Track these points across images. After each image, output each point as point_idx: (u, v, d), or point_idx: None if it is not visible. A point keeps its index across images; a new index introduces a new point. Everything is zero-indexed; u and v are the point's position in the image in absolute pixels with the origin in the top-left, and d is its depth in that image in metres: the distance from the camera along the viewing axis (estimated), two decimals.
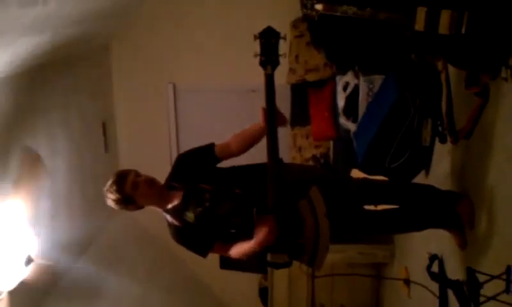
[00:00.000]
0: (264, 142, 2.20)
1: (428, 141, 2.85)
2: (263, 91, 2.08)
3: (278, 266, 2.31)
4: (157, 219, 2.53)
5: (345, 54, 3.83)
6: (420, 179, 3.10)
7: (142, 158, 5.34)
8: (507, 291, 1.97)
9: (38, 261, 3.41)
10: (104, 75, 5.18)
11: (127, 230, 5.00)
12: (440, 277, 2.71)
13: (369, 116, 3.32)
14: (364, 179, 2.91)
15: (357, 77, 3.96)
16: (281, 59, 2.04)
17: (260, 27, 2.05)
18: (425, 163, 3.06)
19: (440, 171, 3.01)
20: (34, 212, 3.55)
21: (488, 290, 2.04)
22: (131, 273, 4.82)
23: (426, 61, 2.70)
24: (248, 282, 5.23)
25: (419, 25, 2.03)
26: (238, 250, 2.33)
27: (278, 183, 2.15)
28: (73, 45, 4.12)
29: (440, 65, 2.80)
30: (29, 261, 3.34)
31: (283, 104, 4.19)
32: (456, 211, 2.53)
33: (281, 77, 4.51)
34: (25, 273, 3.30)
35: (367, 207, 2.66)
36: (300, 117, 4.85)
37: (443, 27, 1.99)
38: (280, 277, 4.68)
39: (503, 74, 2.12)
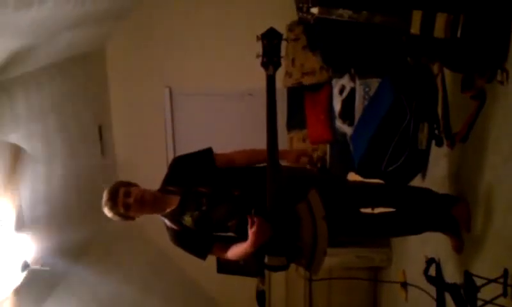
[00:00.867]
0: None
1: (424, 144, 2.86)
2: (260, 95, 2.08)
3: (275, 269, 2.30)
4: (154, 222, 2.52)
5: (342, 58, 3.83)
6: (416, 182, 3.10)
7: (138, 162, 5.34)
8: (504, 294, 1.97)
9: (34, 266, 3.39)
10: (100, 78, 5.17)
11: (124, 234, 4.98)
12: (437, 280, 2.71)
13: (365, 120, 3.32)
14: (361, 182, 2.90)
15: (353, 80, 3.96)
16: (282, 61, 2.05)
17: (256, 30, 2.05)
18: (421, 166, 3.06)
19: (436, 174, 3.01)
20: (31, 215, 3.54)
21: (485, 293, 2.04)
22: (128, 277, 4.80)
23: (422, 65, 2.71)
24: (245, 286, 5.21)
25: (415, 28, 2.03)
26: (234, 251, 2.33)
27: (277, 186, 2.15)
28: (69, 48, 4.12)
29: (435, 68, 2.80)
30: (25, 266, 3.33)
31: (280, 107, 4.19)
32: (453, 214, 2.52)
33: (278, 80, 4.49)
34: (21, 278, 3.29)
35: (363, 210, 2.66)
36: (296, 120, 4.84)
37: (439, 30, 1.99)
38: (277, 280, 4.68)
39: (499, 77, 2.12)
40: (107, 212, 2.31)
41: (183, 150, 2.53)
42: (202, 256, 2.41)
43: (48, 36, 3.48)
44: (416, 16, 2.02)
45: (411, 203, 2.61)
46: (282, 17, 4.56)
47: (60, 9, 3.21)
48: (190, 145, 2.57)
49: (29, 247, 3.41)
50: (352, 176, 3.31)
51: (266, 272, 2.82)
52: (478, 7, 1.99)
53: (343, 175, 3.74)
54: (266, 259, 2.25)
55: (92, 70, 4.99)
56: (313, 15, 2.26)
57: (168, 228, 2.42)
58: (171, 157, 5.18)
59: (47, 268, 3.50)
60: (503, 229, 2.16)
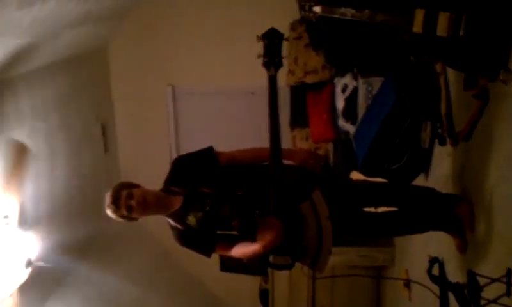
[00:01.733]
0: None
1: (427, 143, 2.85)
2: (262, 94, 2.08)
3: (280, 268, 2.30)
4: (157, 220, 2.53)
5: (344, 56, 3.83)
6: (419, 181, 3.09)
7: (141, 160, 5.36)
8: (507, 294, 1.96)
9: (37, 263, 3.40)
10: (103, 77, 5.18)
11: (127, 231, 4.99)
12: (440, 280, 2.70)
13: (368, 118, 3.32)
14: (364, 181, 2.90)
15: (356, 79, 3.96)
16: (284, 61, 2.05)
17: (259, 29, 2.05)
18: (424, 165, 3.06)
19: (439, 174, 3.00)
20: (34, 213, 3.55)
21: (489, 292, 2.03)
22: (131, 274, 4.81)
23: (425, 63, 2.69)
24: (248, 284, 5.22)
25: (417, 27, 2.02)
26: (242, 250, 2.31)
27: (281, 185, 2.15)
28: (72, 46, 4.12)
29: (438, 67, 2.79)
30: (29, 263, 3.33)
31: (282, 106, 4.19)
32: (456, 213, 2.52)
33: (280, 79, 4.49)
34: (25, 276, 3.29)
35: (366, 209, 2.66)
36: (299, 119, 4.84)
37: (441, 29, 1.98)
38: (280, 279, 4.68)
39: (502, 76, 2.11)
40: (110, 214, 2.31)
41: (186, 148, 2.54)
42: (207, 253, 2.41)
43: (51, 35, 3.49)
44: (419, 15, 2.01)
45: (414, 203, 2.61)
46: (285, 16, 4.56)
47: (62, 7, 3.22)
48: (193, 143, 2.57)
49: (32, 245, 3.41)
50: (355, 175, 3.31)
51: (269, 270, 2.81)
52: (481, 6, 1.98)
53: (346, 174, 3.74)
54: (271, 258, 2.25)
55: (95, 68, 5.00)
56: (315, 13, 2.25)
57: (172, 227, 2.42)
58: (174, 155, 5.20)
59: (50, 265, 3.51)
60: (506, 228, 2.16)
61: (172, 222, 2.40)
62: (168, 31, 5.11)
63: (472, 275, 2.14)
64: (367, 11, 2.10)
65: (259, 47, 2.06)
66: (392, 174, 2.93)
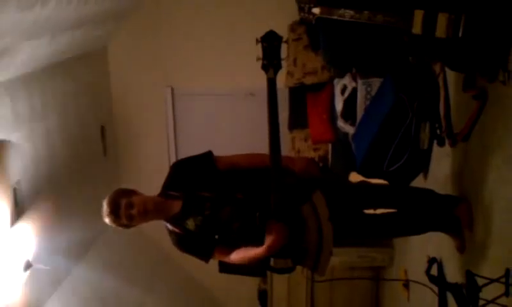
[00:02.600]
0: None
1: (426, 144, 2.85)
2: (262, 95, 2.08)
3: (281, 271, 2.30)
4: (156, 223, 2.53)
5: (343, 57, 3.83)
6: (418, 182, 3.10)
7: (140, 162, 5.36)
8: (506, 294, 1.97)
9: (36, 266, 3.39)
10: (102, 78, 5.17)
11: (126, 234, 4.98)
12: (439, 280, 2.71)
13: (367, 119, 3.32)
14: (363, 182, 2.90)
15: (355, 80, 3.96)
16: (283, 63, 2.05)
17: (258, 30, 2.05)
18: (423, 166, 3.06)
19: (438, 174, 3.01)
20: (31, 214, 3.54)
21: (487, 293, 2.04)
22: (130, 277, 4.80)
23: (424, 64, 2.70)
24: (247, 285, 5.22)
25: (416, 28, 2.03)
26: (242, 255, 2.31)
27: (281, 188, 2.15)
28: (71, 48, 4.12)
29: (437, 68, 2.80)
30: (27, 266, 3.33)
31: (282, 107, 4.19)
32: (455, 214, 2.52)
33: (279, 80, 4.50)
34: (24, 278, 3.29)
35: (366, 211, 2.66)
36: (298, 120, 4.84)
37: (440, 30, 1.99)
38: (279, 280, 4.68)
39: (501, 77, 2.11)
40: (109, 222, 2.29)
41: (185, 149, 2.54)
42: (206, 257, 2.40)
43: (50, 36, 3.49)
44: (418, 16, 2.01)
45: (413, 204, 2.61)
46: (284, 17, 4.56)
47: (62, 9, 3.22)
48: (192, 144, 2.57)
49: (30, 247, 3.41)
50: (354, 176, 3.31)
51: (268, 271, 2.80)
52: (480, 6, 1.98)
53: (344, 175, 3.74)
54: (272, 262, 2.24)
55: (94, 69, 5.00)
56: (314, 15, 2.26)
57: (170, 231, 2.40)
58: (172, 157, 5.20)
59: (49, 267, 3.51)
60: (505, 229, 2.16)
61: (170, 227, 2.38)
62: (166, 32, 5.12)
63: (470, 275, 2.15)
64: (366, 12, 2.11)
65: (258, 48, 2.06)
66: (390, 175, 2.93)
